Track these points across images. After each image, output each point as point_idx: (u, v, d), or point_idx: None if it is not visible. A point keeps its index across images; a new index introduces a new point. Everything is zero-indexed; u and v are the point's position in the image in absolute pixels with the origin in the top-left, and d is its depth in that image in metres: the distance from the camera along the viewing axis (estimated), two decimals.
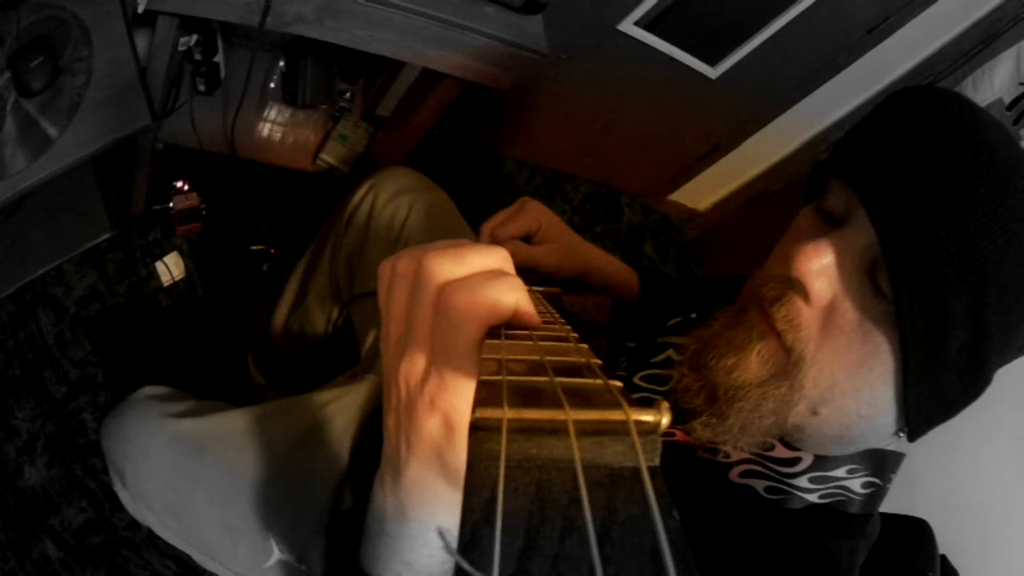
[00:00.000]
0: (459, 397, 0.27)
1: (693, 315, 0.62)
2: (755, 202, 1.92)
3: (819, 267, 0.41)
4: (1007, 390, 0.43)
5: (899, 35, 1.48)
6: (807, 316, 0.42)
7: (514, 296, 0.27)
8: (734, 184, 1.98)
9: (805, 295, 0.42)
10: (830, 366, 0.42)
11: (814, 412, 0.43)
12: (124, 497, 0.69)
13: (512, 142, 1.80)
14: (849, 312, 0.41)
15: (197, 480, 0.66)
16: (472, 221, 0.93)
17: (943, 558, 0.58)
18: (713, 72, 1.56)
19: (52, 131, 0.76)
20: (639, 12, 1.37)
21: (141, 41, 0.88)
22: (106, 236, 1.24)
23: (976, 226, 0.37)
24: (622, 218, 2.01)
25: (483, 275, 0.28)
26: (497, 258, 0.29)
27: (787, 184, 1.82)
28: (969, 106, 0.41)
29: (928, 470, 0.43)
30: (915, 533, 0.53)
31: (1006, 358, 0.41)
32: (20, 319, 1.16)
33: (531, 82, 1.43)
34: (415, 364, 0.29)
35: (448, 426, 0.28)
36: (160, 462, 0.66)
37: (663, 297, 0.71)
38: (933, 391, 0.40)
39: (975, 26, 1.39)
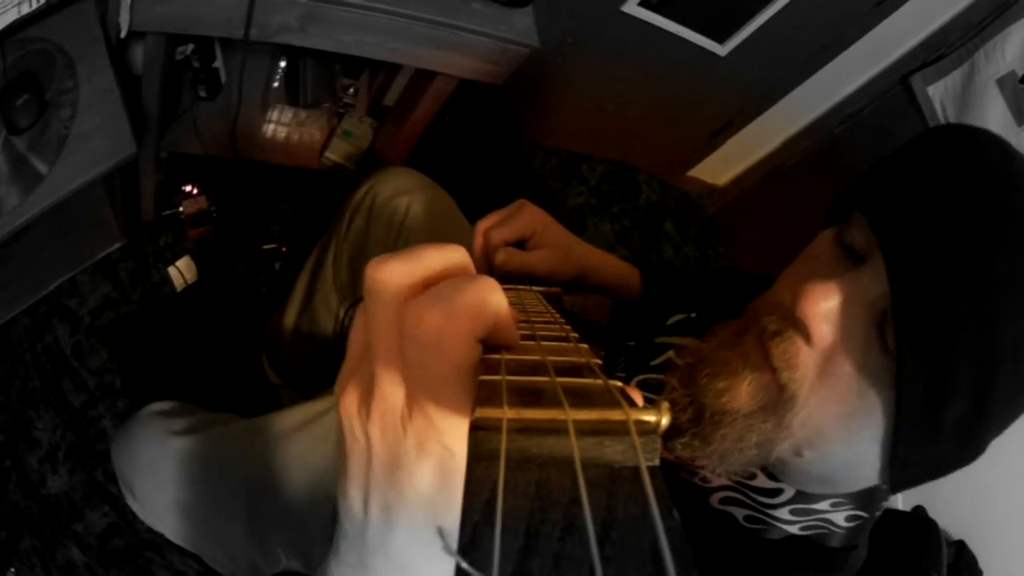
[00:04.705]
0: (454, 436, 0.21)
1: (693, 314, 0.61)
2: (772, 176, 1.92)
3: (825, 310, 0.39)
4: None
5: (908, 7, 1.45)
6: (805, 357, 0.40)
7: (497, 296, 0.22)
8: (751, 159, 1.97)
9: (807, 336, 0.40)
10: (821, 412, 0.40)
11: (798, 453, 0.42)
12: (136, 508, 0.71)
13: (525, 125, 1.80)
14: (849, 362, 0.39)
15: (203, 493, 0.67)
16: (485, 209, 0.94)
17: (961, 544, 0.58)
18: (722, 49, 1.55)
19: (42, 167, 0.77)
20: None
21: (136, 54, 0.89)
22: (117, 245, 1.25)
23: (1000, 302, 0.34)
24: (640, 196, 1.98)
25: (452, 280, 0.22)
26: (459, 254, 0.24)
27: (802, 159, 1.82)
28: (1012, 159, 0.38)
29: None
30: (921, 533, 0.52)
31: (1002, 430, 0.39)
32: (37, 332, 1.18)
33: (540, 67, 1.42)
34: (391, 402, 0.22)
35: (443, 472, 0.22)
36: (167, 476, 0.68)
37: (665, 293, 0.69)
38: (922, 456, 0.39)
39: None
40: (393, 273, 0.22)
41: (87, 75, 0.82)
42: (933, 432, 0.37)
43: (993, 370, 0.35)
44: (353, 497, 0.25)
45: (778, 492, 0.45)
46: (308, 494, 0.68)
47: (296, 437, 0.71)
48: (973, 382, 0.35)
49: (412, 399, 0.22)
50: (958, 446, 0.38)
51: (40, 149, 0.78)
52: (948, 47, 1.42)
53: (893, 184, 0.40)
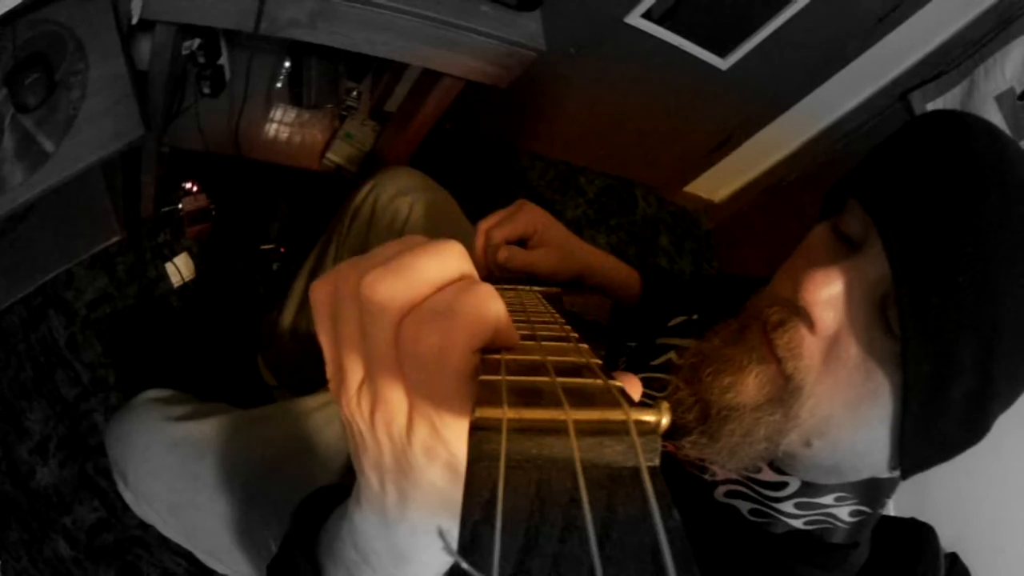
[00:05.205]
0: (459, 443, 0.23)
1: (695, 316, 0.61)
2: (770, 192, 1.92)
3: (827, 297, 0.39)
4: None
5: (910, 23, 1.46)
6: (810, 345, 0.41)
7: (495, 305, 0.22)
8: (749, 175, 1.97)
9: (810, 324, 0.40)
10: (829, 399, 0.40)
11: (807, 443, 0.42)
12: (128, 497, 0.70)
13: (525, 135, 1.81)
14: (854, 346, 0.39)
15: (197, 481, 0.67)
16: (482, 216, 0.94)
17: (954, 556, 0.58)
18: (723, 64, 1.55)
19: (48, 146, 0.77)
20: (645, 4, 1.36)
21: (143, 48, 0.89)
22: (116, 239, 1.25)
23: (997, 274, 0.35)
24: (637, 210, 2.00)
25: (449, 292, 0.22)
26: (452, 257, 0.24)
27: (802, 174, 1.82)
28: (999, 139, 0.39)
29: (938, 468, 0.42)
30: (918, 538, 0.52)
31: (1007, 405, 0.39)
32: (32, 323, 1.18)
33: (541, 76, 1.43)
34: (395, 413, 0.23)
35: (453, 471, 0.24)
36: (161, 464, 0.67)
37: (665, 296, 0.70)
38: (931, 435, 0.39)
39: (987, 13, 1.37)
40: (389, 291, 0.22)
41: (97, 59, 0.82)
42: (941, 409, 0.37)
43: (996, 342, 0.35)
44: (369, 474, 0.27)
45: (783, 485, 0.45)
46: (302, 486, 0.68)
47: (314, 416, 0.71)
48: (977, 355, 0.36)
49: (415, 410, 0.23)
50: (965, 422, 0.38)
51: (48, 128, 0.78)
52: (948, 64, 1.43)
53: (886, 169, 0.41)
